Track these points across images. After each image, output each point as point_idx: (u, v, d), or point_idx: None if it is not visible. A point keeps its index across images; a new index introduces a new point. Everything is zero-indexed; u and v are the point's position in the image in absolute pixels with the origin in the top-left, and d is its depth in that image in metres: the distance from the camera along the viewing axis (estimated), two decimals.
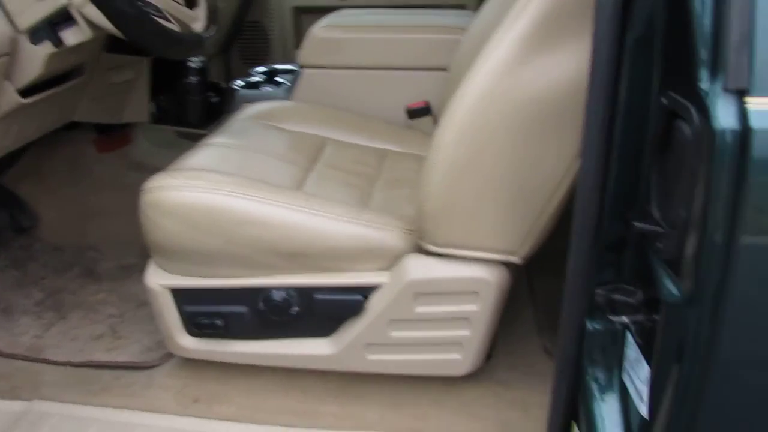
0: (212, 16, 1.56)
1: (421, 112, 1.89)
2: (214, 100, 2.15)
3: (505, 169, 1.16)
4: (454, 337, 1.32)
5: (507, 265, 1.28)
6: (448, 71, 1.82)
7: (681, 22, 0.83)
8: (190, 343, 1.42)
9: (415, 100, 1.89)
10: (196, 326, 1.38)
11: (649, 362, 0.97)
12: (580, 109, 1.06)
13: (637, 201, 0.99)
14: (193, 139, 1.82)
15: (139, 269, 1.63)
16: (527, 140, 1.14)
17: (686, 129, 0.85)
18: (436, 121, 1.89)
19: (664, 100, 0.89)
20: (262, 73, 2.20)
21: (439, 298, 1.29)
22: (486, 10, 1.77)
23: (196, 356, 1.45)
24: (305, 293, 1.34)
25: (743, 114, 0.79)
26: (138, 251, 1.89)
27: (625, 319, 1.01)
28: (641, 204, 0.98)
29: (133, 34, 1.24)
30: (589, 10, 1.04)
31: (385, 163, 1.67)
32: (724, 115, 0.80)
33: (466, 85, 1.16)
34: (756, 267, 0.83)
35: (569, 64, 1.09)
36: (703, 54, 0.81)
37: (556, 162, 1.15)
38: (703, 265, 0.84)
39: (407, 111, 1.89)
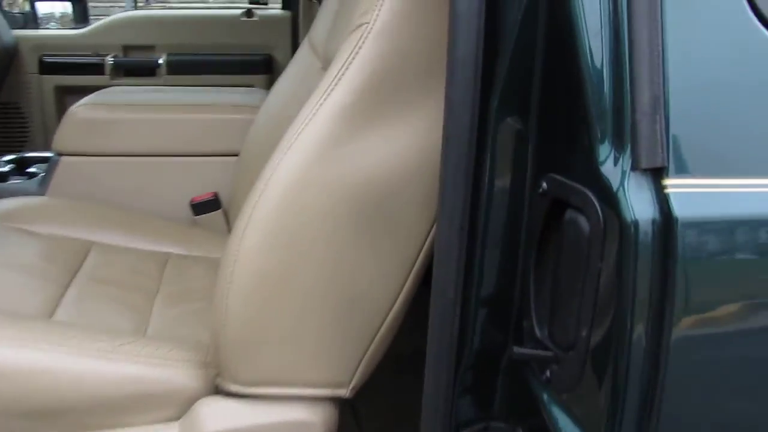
0: None
1: (208, 205, 1.59)
2: None
3: (332, 278, 0.89)
4: None
5: (334, 400, 1.00)
6: (240, 157, 1.55)
7: (568, 83, 0.63)
8: None
9: (201, 192, 1.59)
10: None
11: None
12: (425, 193, 0.83)
13: (510, 315, 0.76)
14: None
15: None
16: (358, 237, 0.88)
17: (581, 221, 0.64)
18: (227, 216, 1.59)
19: (545, 184, 0.68)
20: (10, 161, 1.79)
21: None
22: (282, 85, 1.53)
23: None
24: None
25: (663, 200, 0.59)
26: None
27: None
28: (517, 320, 0.75)
29: None
30: (428, 73, 0.83)
31: (167, 271, 1.34)
32: (637, 203, 0.59)
33: (269, 172, 0.89)
34: (690, 388, 0.62)
35: (406, 138, 0.86)
36: (603, 124, 0.60)
37: (397, 262, 0.90)
38: (620, 396, 0.62)
39: (191, 205, 1.58)
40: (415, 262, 0.91)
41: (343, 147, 0.86)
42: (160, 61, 2.39)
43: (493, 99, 0.68)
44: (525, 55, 0.66)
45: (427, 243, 0.90)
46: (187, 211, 1.58)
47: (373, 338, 0.94)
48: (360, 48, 0.86)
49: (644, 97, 0.58)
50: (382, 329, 0.93)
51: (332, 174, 0.86)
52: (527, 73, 0.66)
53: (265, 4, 2.61)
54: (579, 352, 0.65)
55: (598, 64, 0.60)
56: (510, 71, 0.68)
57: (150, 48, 2.43)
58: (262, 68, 2.46)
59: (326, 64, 1.28)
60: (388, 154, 0.86)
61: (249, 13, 2.49)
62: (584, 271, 0.63)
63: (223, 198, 1.59)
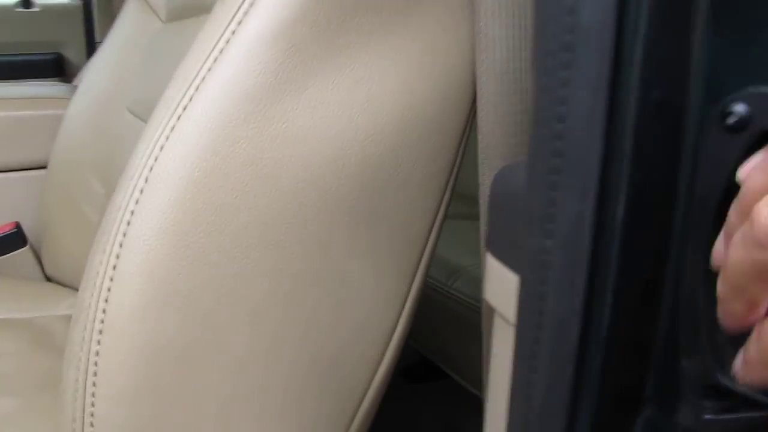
0: None
1: (7, 242, 1.14)
2: None
3: (285, 334, 0.52)
4: None
5: None
6: (49, 169, 1.11)
7: None
8: None
9: None
10: None
11: None
12: (430, 173, 0.50)
13: (646, 356, 0.43)
14: None
15: None
16: (326, 255, 0.52)
17: None
18: (36, 254, 1.15)
19: (739, 107, 0.36)
20: None
21: None
22: (103, 62, 1.11)
23: None
24: None
25: None
26: None
27: None
28: (665, 359, 0.42)
29: None
30: None
31: None
32: None
33: (137, 171, 0.50)
34: None
35: (402, 76, 0.51)
36: None
37: (390, 291, 0.55)
38: None
39: None
40: (410, 289, 0.56)
41: (287, 100, 0.50)
42: None
43: None
44: None
45: (426, 254, 0.56)
46: None
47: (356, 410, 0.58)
48: None
49: None
50: (368, 396, 0.58)
51: (272, 149, 0.50)
52: None
53: None
54: None
55: None
56: None
57: None
58: (51, 70, 2.00)
59: (172, 16, 0.90)
60: (371, 104, 0.51)
61: (27, 3, 1.99)
62: None
63: (29, 229, 1.14)
